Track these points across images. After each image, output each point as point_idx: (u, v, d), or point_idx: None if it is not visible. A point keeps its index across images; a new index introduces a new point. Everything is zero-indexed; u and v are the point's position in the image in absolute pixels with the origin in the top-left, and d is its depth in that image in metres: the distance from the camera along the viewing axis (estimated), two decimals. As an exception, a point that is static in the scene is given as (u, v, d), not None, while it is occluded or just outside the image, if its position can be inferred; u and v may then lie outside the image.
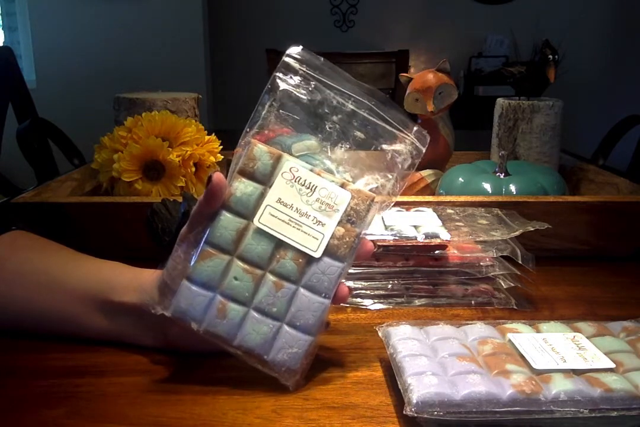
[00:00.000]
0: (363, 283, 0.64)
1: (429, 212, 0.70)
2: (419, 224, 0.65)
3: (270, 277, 0.47)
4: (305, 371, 0.47)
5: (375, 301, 0.63)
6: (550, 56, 0.95)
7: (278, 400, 0.46)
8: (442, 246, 0.63)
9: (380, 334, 0.51)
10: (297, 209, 0.47)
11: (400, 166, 0.50)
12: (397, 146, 0.50)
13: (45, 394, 0.47)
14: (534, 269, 0.61)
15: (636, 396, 0.42)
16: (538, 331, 0.51)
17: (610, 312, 0.62)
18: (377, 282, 0.64)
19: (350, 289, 0.49)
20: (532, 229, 0.64)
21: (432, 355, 0.47)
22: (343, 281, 0.48)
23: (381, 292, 0.64)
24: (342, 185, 0.48)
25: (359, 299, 0.63)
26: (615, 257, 0.76)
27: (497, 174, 0.84)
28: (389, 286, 0.64)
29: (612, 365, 0.45)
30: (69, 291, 0.53)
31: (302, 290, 0.47)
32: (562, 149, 1.02)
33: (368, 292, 0.64)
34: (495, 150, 1.01)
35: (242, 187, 0.47)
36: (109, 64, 3.09)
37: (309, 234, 0.47)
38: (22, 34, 3.31)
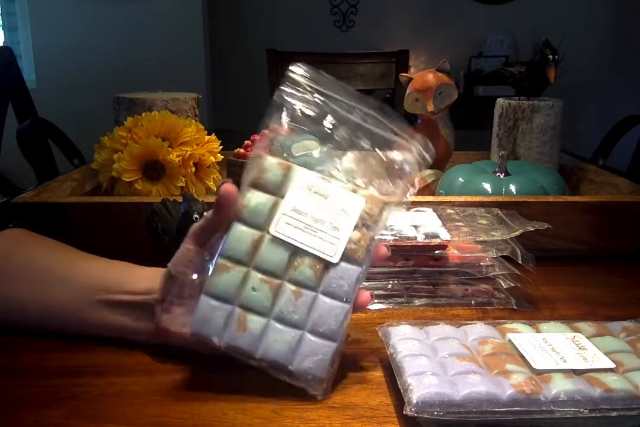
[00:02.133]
0: (363, 283, 0.64)
1: (429, 212, 0.69)
2: (419, 224, 0.65)
3: (289, 286, 0.47)
4: (332, 378, 0.47)
5: (375, 301, 0.63)
6: (550, 56, 0.95)
7: (278, 400, 0.45)
8: (442, 246, 0.63)
9: (380, 334, 0.51)
10: (312, 216, 0.47)
11: (409, 175, 0.50)
12: (406, 156, 0.50)
13: (45, 394, 0.47)
14: (534, 269, 0.61)
15: (636, 396, 0.42)
16: (538, 331, 0.51)
17: (610, 312, 0.62)
18: (377, 282, 0.64)
19: (372, 295, 0.49)
20: (532, 229, 0.64)
21: (432, 355, 0.47)
22: (363, 285, 0.48)
23: (381, 292, 0.64)
24: (354, 191, 0.49)
25: (359, 299, 0.63)
26: (615, 257, 0.76)
27: (497, 174, 0.84)
28: (389, 286, 0.64)
29: (612, 365, 0.45)
30: (73, 287, 0.54)
31: (321, 296, 0.47)
32: (562, 149, 1.02)
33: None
34: (495, 150, 1.01)
35: (255, 199, 0.48)
36: (109, 64, 3.09)
37: (325, 240, 0.47)
38: (22, 34, 3.31)
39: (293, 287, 0.47)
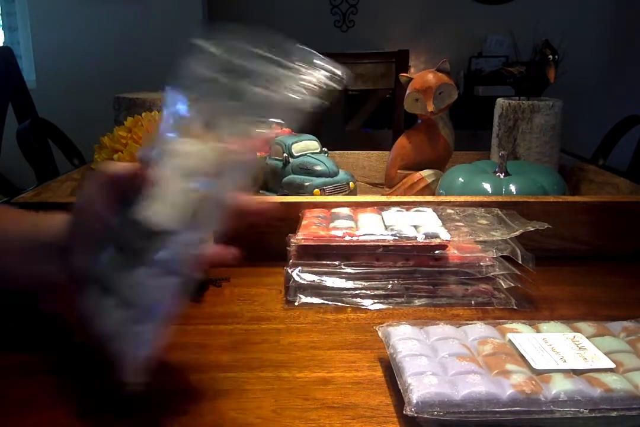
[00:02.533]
0: (363, 283, 0.64)
1: (429, 212, 0.70)
2: (419, 224, 0.65)
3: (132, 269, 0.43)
4: (155, 360, 0.41)
5: (375, 301, 0.63)
6: (550, 56, 0.95)
7: (278, 400, 0.46)
8: (442, 246, 0.63)
9: (380, 334, 0.51)
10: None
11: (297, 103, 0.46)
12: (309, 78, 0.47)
13: (46, 394, 0.47)
14: (534, 269, 0.61)
15: (636, 396, 0.42)
16: (538, 331, 0.51)
17: (610, 312, 0.62)
18: (377, 282, 0.64)
19: (226, 252, 0.43)
20: (532, 229, 0.64)
21: (432, 355, 0.47)
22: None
23: (381, 292, 0.64)
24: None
25: (359, 299, 0.63)
26: (615, 257, 0.76)
27: (497, 174, 0.84)
28: (389, 286, 0.64)
29: (612, 365, 0.45)
30: None
31: (149, 271, 0.42)
32: (562, 149, 1.02)
33: (368, 292, 0.64)
34: (495, 150, 1.01)
35: None
36: (109, 64, 3.09)
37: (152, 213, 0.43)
38: (22, 34, 3.32)
39: (128, 274, 0.42)
